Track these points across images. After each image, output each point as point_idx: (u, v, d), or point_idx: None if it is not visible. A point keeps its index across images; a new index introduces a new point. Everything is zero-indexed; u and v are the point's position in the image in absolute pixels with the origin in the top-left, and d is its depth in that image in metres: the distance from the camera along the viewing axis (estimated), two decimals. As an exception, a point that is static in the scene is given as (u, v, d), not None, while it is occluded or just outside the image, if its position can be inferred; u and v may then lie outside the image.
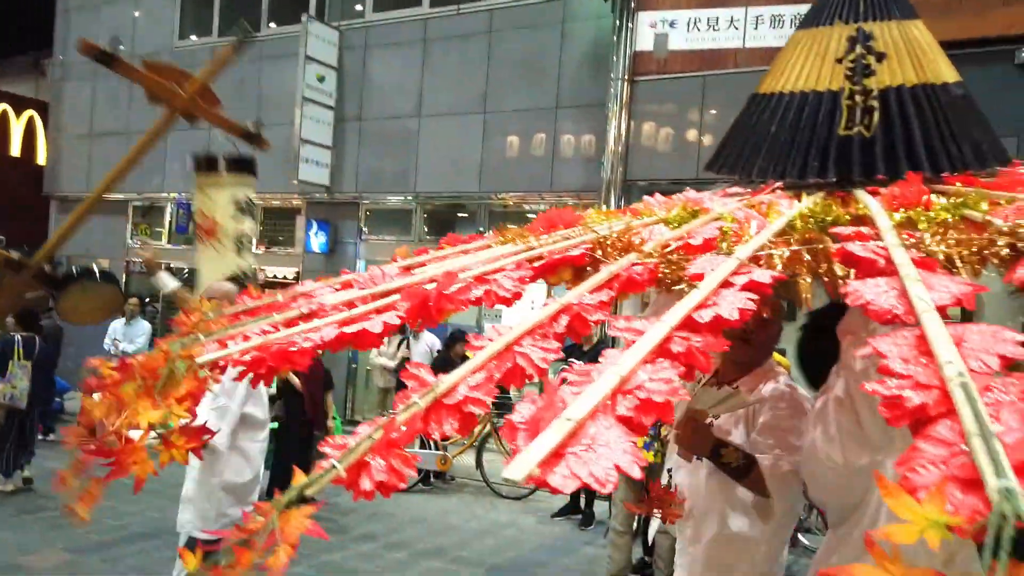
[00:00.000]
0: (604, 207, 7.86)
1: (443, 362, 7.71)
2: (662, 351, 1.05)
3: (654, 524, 2.79)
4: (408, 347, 8.29)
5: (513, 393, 8.53)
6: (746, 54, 7.12)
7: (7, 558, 5.16)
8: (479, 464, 7.58)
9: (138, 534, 5.84)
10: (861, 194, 1.69)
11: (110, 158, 12.38)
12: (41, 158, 13.42)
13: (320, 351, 1.48)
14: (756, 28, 7.09)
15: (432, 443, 7.53)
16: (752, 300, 1.15)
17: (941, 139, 1.84)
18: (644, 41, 7.74)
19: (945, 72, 1.94)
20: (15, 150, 13.15)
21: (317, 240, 10.13)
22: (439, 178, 9.45)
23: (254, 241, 3.12)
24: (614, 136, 7.87)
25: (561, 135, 8.60)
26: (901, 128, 1.86)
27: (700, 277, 1.28)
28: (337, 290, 1.74)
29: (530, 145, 8.81)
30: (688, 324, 1.10)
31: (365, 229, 10.15)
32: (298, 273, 10.53)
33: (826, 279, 1.35)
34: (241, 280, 3.14)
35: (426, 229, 9.92)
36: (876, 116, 1.87)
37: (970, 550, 1.40)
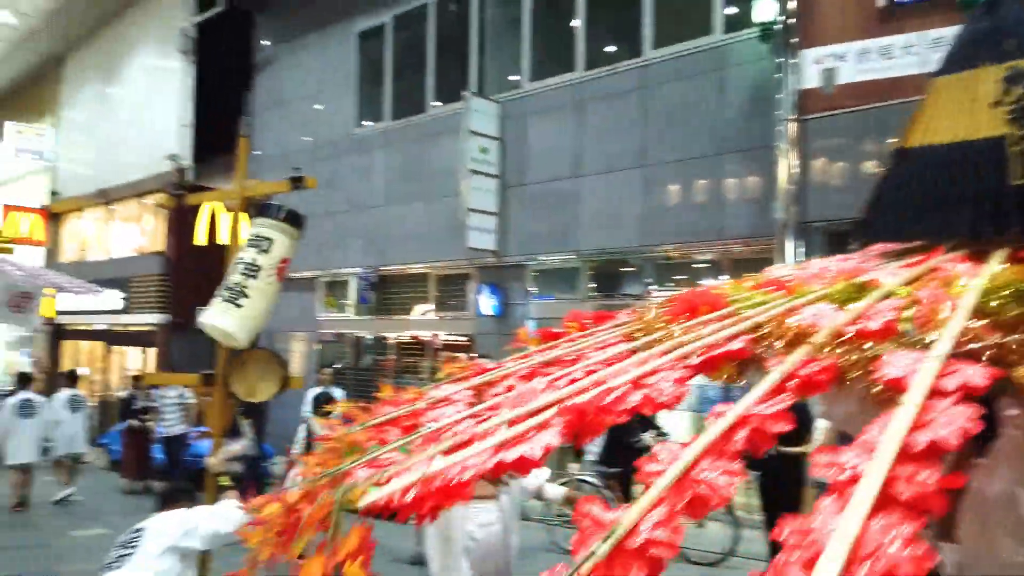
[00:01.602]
0: (778, 252, 7.53)
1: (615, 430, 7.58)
2: (887, 498, 0.86)
3: None
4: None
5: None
6: (926, 79, 6.64)
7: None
8: (663, 526, 7.32)
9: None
10: None
11: (307, 241, 13.59)
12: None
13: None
14: (935, 50, 6.60)
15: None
16: (973, 415, 0.97)
17: None
18: (810, 78, 7.44)
19: None
20: (225, 240, 14.80)
21: (488, 303, 10.45)
22: (601, 235, 9.51)
23: (261, 272, 3.76)
24: (784, 177, 7.56)
25: (725, 181, 8.40)
26: (1089, 171, 1.64)
27: (898, 383, 1.07)
28: (472, 396, 1.70)
29: (692, 194, 8.67)
30: (904, 454, 0.92)
31: (533, 290, 10.36)
32: (471, 336, 10.88)
33: None
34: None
35: (593, 286, 9.95)
36: None
37: None
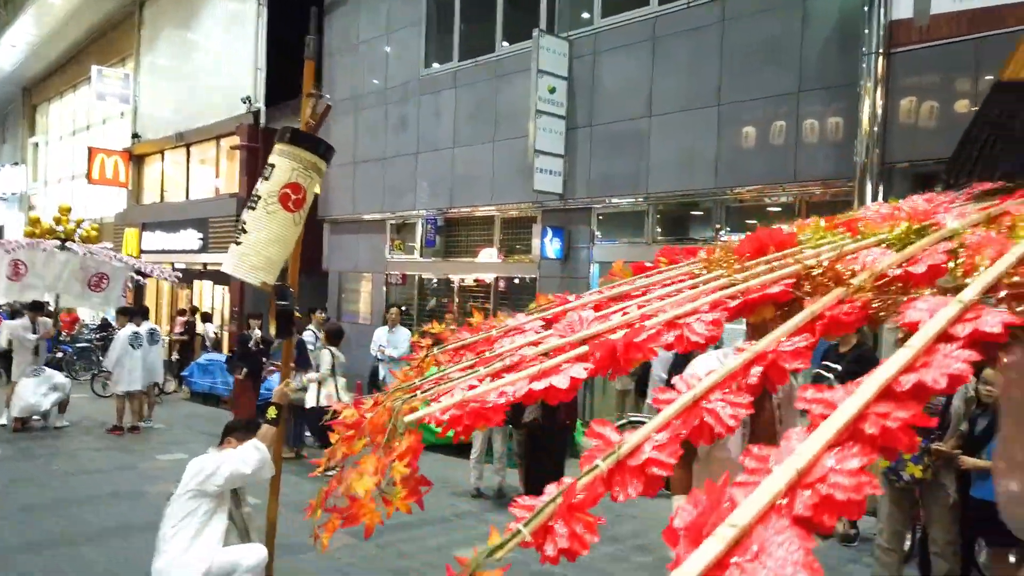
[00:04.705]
0: (858, 195, 7.21)
1: (678, 367, 7.52)
2: (854, 433, 0.89)
3: None
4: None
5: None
6: (1032, 6, 6.14)
7: (301, 538, 5.88)
8: (726, 471, 7.29)
9: (404, 523, 6.38)
10: None
11: (370, 182, 13.79)
12: (316, 187, 15.28)
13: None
14: (1045, -26, 6.08)
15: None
16: (969, 363, 0.95)
17: None
18: (901, 8, 6.98)
19: None
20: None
21: (552, 246, 10.41)
22: (671, 177, 9.28)
23: (260, 202, 3.41)
24: (868, 116, 7.17)
25: (805, 120, 8.03)
26: None
27: (914, 327, 1.06)
28: (542, 327, 1.79)
29: (770, 134, 8.34)
30: (888, 392, 0.94)
31: (598, 233, 10.24)
32: (535, 279, 10.89)
33: None
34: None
35: (659, 230, 9.78)
36: None
37: None
